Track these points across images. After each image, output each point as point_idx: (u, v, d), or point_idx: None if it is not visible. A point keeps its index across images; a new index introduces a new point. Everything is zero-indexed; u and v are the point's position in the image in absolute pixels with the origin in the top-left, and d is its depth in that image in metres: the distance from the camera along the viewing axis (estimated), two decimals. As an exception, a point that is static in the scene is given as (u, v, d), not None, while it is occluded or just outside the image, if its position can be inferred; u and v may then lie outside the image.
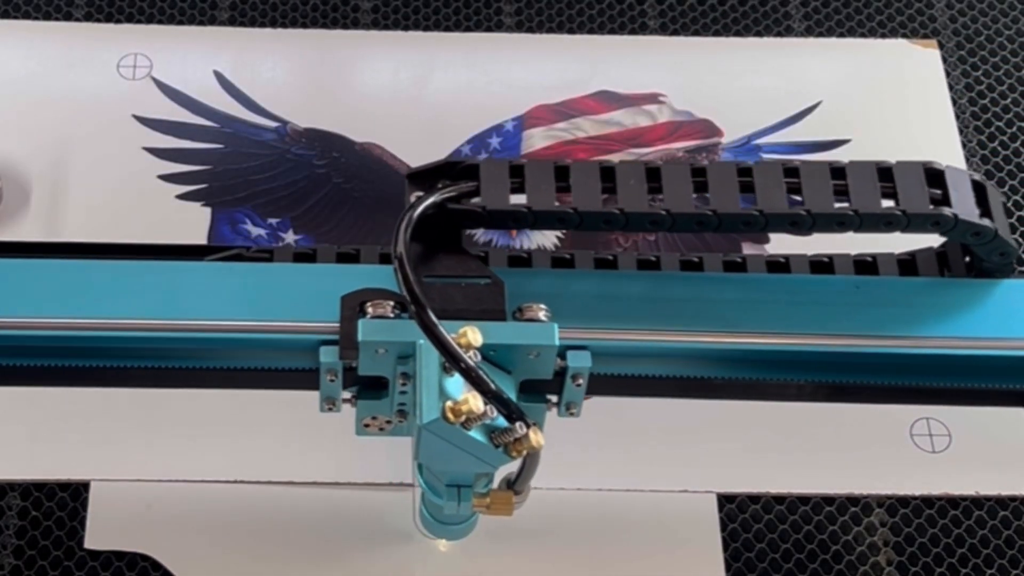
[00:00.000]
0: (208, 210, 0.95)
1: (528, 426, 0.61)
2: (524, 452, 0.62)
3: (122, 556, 0.82)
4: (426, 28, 1.05)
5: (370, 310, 0.66)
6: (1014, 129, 1.03)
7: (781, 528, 0.86)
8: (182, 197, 0.95)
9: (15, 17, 1.02)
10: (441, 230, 0.68)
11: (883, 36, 1.06)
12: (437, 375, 0.61)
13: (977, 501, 0.87)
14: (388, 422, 0.70)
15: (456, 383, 0.62)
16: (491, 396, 0.60)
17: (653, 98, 1.02)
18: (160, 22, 1.03)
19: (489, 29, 1.05)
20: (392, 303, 0.66)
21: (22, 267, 0.70)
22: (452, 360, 0.60)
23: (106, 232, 0.92)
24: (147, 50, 1.01)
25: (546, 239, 0.95)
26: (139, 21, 1.03)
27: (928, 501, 0.87)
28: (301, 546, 0.83)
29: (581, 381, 0.67)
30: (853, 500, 0.87)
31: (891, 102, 1.02)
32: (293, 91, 1.01)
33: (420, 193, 0.67)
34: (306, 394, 0.87)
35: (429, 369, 0.62)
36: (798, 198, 0.68)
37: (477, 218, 0.68)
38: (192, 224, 0.94)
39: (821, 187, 0.67)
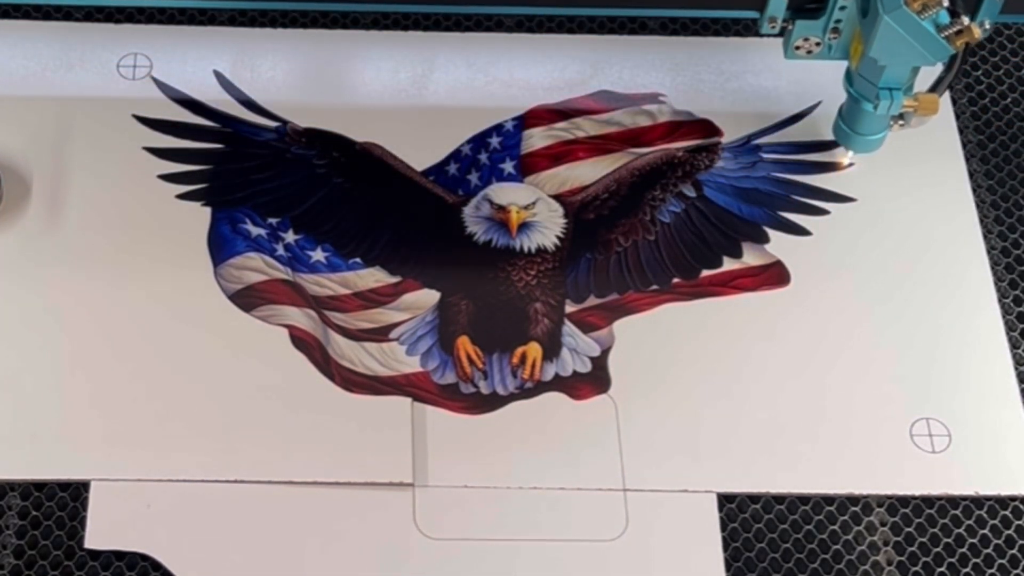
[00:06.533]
0: (208, 210, 0.95)
1: (969, 19, 0.75)
2: (963, 43, 0.76)
3: (122, 556, 0.82)
4: (426, 28, 1.04)
5: None
6: (1014, 129, 1.03)
7: (781, 528, 0.86)
8: (182, 197, 0.95)
9: (15, 17, 1.02)
10: None
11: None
12: None
13: (977, 501, 0.87)
14: (817, 44, 0.85)
15: None
16: None
17: (653, 98, 1.02)
18: (160, 22, 1.03)
19: (489, 29, 1.05)
20: None
21: None
22: None
23: (106, 231, 0.93)
24: (147, 50, 1.01)
25: (546, 239, 0.95)
26: (139, 21, 1.03)
27: (928, 501, 0.87)
28: (301, 546, 0.83)
29: None
30: (853, 500, 0.87)
31: None
32: (293, 91, 1.01)
33: None
34: (306, 394, 0.88)
35: None
36: None
37: None
38: (192, 224, 0.94)
39: None
